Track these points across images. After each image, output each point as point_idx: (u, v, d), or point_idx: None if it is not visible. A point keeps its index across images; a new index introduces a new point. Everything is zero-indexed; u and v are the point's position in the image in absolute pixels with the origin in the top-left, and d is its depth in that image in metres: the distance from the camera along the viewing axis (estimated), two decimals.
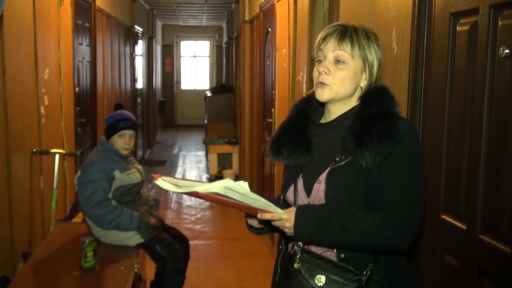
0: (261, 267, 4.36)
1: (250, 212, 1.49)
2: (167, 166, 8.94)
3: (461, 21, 1.74)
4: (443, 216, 1.85)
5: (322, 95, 1.52)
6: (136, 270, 2.72)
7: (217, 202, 1.43)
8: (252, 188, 1.41)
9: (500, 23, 1.54)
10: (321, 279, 1.44)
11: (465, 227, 1.71)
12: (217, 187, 1.34)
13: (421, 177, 1.46)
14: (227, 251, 4.83)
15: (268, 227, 1.61)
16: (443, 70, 1.83)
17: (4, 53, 3.05)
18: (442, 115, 1.84)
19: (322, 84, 1.51)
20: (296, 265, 1.48)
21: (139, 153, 8.81)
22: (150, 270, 3.35)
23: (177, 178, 1.46)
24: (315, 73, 1.54)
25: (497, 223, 1.55)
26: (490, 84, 1.57)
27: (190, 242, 3.44)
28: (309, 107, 1.64)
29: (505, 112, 1.51)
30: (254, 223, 1.61)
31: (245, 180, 1.45)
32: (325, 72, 1.50)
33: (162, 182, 1.41)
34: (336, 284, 1.42)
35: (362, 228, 1.40)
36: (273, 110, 4.72)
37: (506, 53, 1.48)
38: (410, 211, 1.41)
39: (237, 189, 1.35)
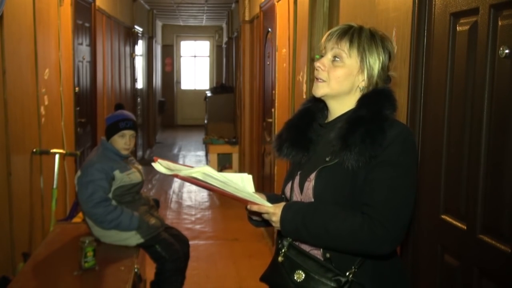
0: (261, 267, 4.30)
1: (240, 202, 1.52)
2: None
3: (461, 21, 1.74)
4: (443, 216, 1.85)
5: (316, 90, 1.55)
6: (136, 270, 2.72)
7: (203, 187, 1.47)
8: None
9: (500, 23, 1.54)
10: (301, 275, 1.47)
11: (465, 227, 1.71)
12: (196, 172, 1.39)
13: (410, 183, 1.43)
14: (227, 251, 4.83)
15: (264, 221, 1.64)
16: (443, 70, 1.83)
17: (4, 53, 3.05)
18: (442, 115, 1.83)
19: (317, 79, 1.54)
20: (280, 259, 1.53)
21: (139, 153, 8.81)
22: (150, 270, 3.35)
23: (174, 163, 1.50)
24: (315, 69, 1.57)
25: (497, 223, 1.55)
26: (490, 84, 1.57)
27: (190, 242, 3.44)
28: (314, 106, 1.66)
29: (505, 112, 1.51)
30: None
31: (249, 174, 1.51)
32: (321, 68, 1.53)
33: (157, 165, 1.48)
34: (314, 282, 1.44)
35: (342, 229, 1.40)
36: (273, 110, 4.72)
37: (506, 53, 1.48)
38: (391, 217, 1.38)
39: (217, 177, 1.40)
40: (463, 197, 1.73)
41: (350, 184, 1.44)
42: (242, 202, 1.52)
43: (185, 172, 1.42)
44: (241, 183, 1.47)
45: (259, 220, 1.65)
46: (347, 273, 1.43)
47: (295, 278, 1.47)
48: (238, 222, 5.27)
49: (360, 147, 1.40)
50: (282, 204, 1.51)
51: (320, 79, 1.53)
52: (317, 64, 1.54)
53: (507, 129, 1.50)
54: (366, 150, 1.40)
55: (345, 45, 1.50)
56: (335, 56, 1.51)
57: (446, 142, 1.83)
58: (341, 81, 1.51)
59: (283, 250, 1.54)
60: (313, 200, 1.50)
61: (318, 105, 1.65)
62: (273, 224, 1.51)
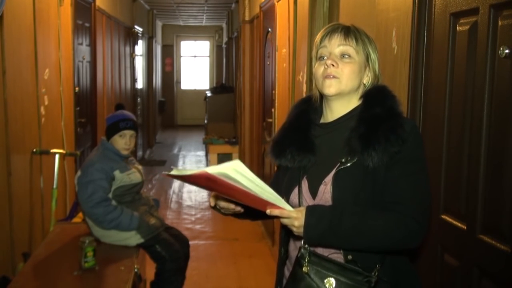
0: (261, 267, 4.35)
1: (256, 205, 1.40)
2: (167, 166, 8.93)
3: (461, 21, 1.74)
4: (443, 216, 1.84)
5: (330, 88, 1.51)
6: (136, 270, 2.72)
7: (223, 192, 1.37)
8: None
9: (500, 23, 1.54)
10: (331, 282, 1.43)
11: (465, 227, 1.71)
12: (227, 168, 1.24)
13: (427, 176, 1.48)
14: (227, 251, 4.83)
15: (243, 213, 1.54)
16: (443, 70, 1.83)
17: (4, 53, 3.05)
18: (442, 115, 1.83)
19: (331, 76, 1.50)
20: (305, 269, 1.46)
21: (139, 153, 8.80)
22: (150, 270, 3.35)
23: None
24: (320, 69, 1.53)
25: (497, 223, 1.55)
26: (490, 84, 1.57)
27: (190, 242, 3.44)
28: (309, 108, 1.63)
29: (505, 112, 1.51)
30: (222, 203, 1.54)
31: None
32: (333, 65, 1.51)
33: (173, 172, 1.34)
34: (346, 287, 1.41)
35: (375, 228, 1.41)
36: (273, 110, 4.72)
37: (506, 53, 1.48)
38: (419, 211, 1.43)
39: (247, 173, 1.28)
40: (463, 197, 1.73)
41: (370, 183, 1.44)
42: (259, 205, 1.39)
43: (212, 170, 1.25)
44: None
45: (236, 211, 1.54)
46: (373, 273, 1.43)
47: (326, 286, 1.43)
48: (238, 222, 5.25)
49: (385, 145, 1.41)
50: (303, 208, 1.43)
51: (333, 75, 1.50)
52: (328, 61, 1.51)
53: (507, 129, 1.50)
54: (392, 147, 1.41)
55: (352, 41, 1.52)
56: (343, 54, 1.52)
57: (446, 142, 1.83)
58: (353, 78, 1.52)
59: (306, 260, 1.46)
60: (331, 203, 1.46)
61: (312, 106, 1.63)
62: (294, 229, 1.42)
